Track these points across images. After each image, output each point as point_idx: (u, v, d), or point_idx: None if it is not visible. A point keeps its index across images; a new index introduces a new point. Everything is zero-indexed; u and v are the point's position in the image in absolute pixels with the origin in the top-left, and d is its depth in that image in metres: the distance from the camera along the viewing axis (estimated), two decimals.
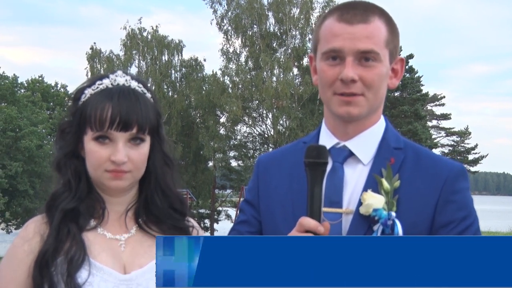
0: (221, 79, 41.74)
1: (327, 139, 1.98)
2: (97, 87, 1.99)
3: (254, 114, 43.45)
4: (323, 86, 1.92)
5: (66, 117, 2.06)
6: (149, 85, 2.10)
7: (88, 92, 2.00)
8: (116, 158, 1.92)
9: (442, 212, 1.84)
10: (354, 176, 1.91)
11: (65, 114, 2.08)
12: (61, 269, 1.89)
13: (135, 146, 1.96)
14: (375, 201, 1.82)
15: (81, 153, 2.01)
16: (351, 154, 1.93)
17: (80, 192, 1.99)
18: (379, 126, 1.97)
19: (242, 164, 45.55)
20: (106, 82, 2.00)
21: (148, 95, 2.05)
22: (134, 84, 2.02)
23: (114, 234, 2.01)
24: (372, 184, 1.86)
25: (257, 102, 41.61)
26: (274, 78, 39.69)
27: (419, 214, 1.84)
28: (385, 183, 1.84)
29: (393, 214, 1.81)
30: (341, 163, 1.92)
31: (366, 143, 1.93)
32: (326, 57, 1.88)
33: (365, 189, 1.86)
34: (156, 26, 44.15)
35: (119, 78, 2.01)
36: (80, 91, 2.03)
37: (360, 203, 1.85)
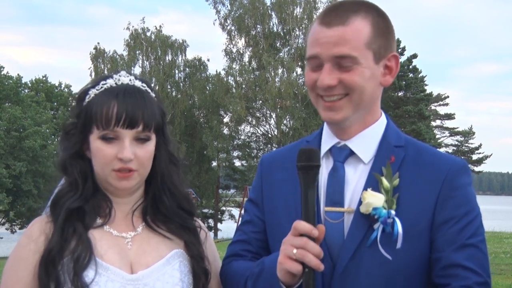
0: (225, 79, 41.76)
1: (328, 138, 1.98)
2: (101, 87, 1.98)
3: (258, 114, 43.47)
4: (309, 91, 1.94)
5: (70, 118, 2.05)
6: (152, 85, 2.10)
7: (92, 92, 1.99)
8: (123, 155, 1.91)
9: (443, 209, 1.82)
10: (355, 175, 1.90)
11: (69, 115, 2.07)
12: (67, 268, 1.87)
13: (141, 144, 1.95)
14: (375, 199, 1.81)
15: (86, 154, 2.00)
16: (352, 153, 1.92)
17: (86, 192, 1.98)
18: (380, 125, 1.96)
19: (245, 164, 45.57)
20: (110, 82, 2.00)
21: (152, 94, 2.05)
22: (138, 83, 2.02)
23: (120, 232, 1.99)
24: (372, 182, 1.86)
25: (260, 102, 41.62)
26: (278, 78, 39.72)
27: (420, 211, 1.82)
28: (385, 182, 1.84)
29: (393, 212, 1.80)
30: (342, 162, 1.92)
31: (366, 142, 1.92)
32: (308, 62, 1.89)
33: (366, 187, 1.85)
34: (160, 26, 44.31)
35: (123, 78, 2.01)
36: (84, 92, 2.02)
37: (361, 202, 1.84)
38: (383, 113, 2.00)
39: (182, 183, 2.11)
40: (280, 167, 2.05)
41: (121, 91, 1.96)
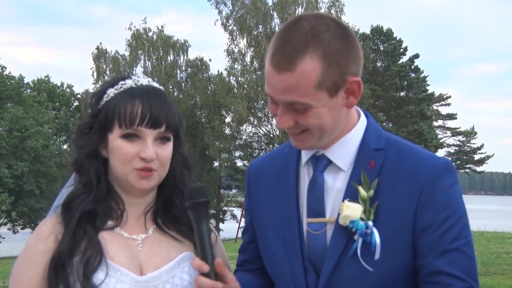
0: (227, 79, 41.78)
1: None
2: (121, 87, 1.98)
3: (260, 114, 43.49)
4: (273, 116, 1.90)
5: (86, 118, 2.04)
6: None
7: (111, 91, 1.98)
8: (146, 155, 1.91)
9: (423, 215, 1.78)
10: (336, 184, 1.87)
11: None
12: (77, 270, 1.86)
13: (161, 144, 1.96)
14: (352, 212, 1.78)
15: (102, 153, 1.99)
16: (330, 162, 1.88)
17: (99, 193, 1.97)
18: (358, 129, 1.90)
19: (247, 164, 45.56)
20: (129, 82, 1.99)
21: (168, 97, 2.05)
22: (156, 85, 2.03)
23: (131, 234, 1.99)
24: (352, 191, 1.82)
25: (262, 102, 41.63)
26: None
27: (400, 219, 1.78)
28: (362, 191, 1.80)
29: (370, 223, 1.77)
30: (321, 172, 1.89)
31: (344, 150, 1.88)
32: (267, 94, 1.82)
33: (345, 196, 1.83)
34: (162, 26, 44.34)
35: (142, 79, 2.02)
36: (102, 91, 2.01)
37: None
38: (362, 114, 1.94)
39: None
40: (265, 176, 2.04)
41: (145, 91, 1.96)
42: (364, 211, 1.79)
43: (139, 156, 1.92)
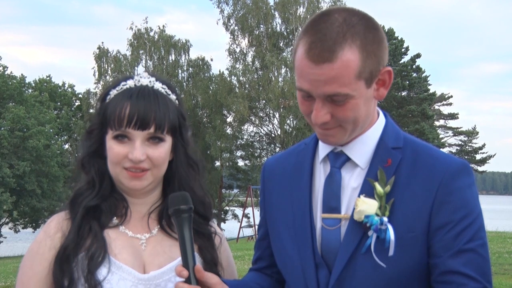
0: (228, 79, 41.80)
1: (326, 144, 1.94)
2: (121, 88, 2.01)
3: (261, 114, 43.48)
4: (304, 115, 1.87)
5: (92, 118, 2.09)
6: None
7: (113, 92, 2.02)
8: (133, 156, 1.93)
9: (438, 214, 1.77)
10: (352, 181, 1.87)
11: (90, 116, 2.11)
12: (81, 265, 1.90)
13: (153, 145, 1.97)
14: (367, 207, 1.78)
15: (105, 153, 2.02)
16: (348, 158, 1.89)
17: (103, 190, 2.02)
18: (377, 127, 1.91)
19: (249, 164, 45.61)
20: (130, 83, 2.02)
21: (173, 96, 2.06)
22: (158, 85, 2.03)
23: (135, 233, 2.02)
24: (368, 187, 1.82)
25: (263, 101, 41.63)
26: (281, 78, 39.71)
27: (415, 217, 1.78)
28: (378, 187, 1.80)
29: (385, 219, 1.77)
30: (339, 168, 1.89)
31: (362, 147, 1.88)
32: (298, 91, 1.82)
33: (361, 192, 1.83)
34: (163, 26, 44.36)
35: (143, 79, 2.03)
36: (106, 92, 2.05)
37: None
38: (381, 113, 1.95)
39: (199, 187, 2.11)
40: (280, 174, 2.05)
41: (136, 92, 1.98)
42: (379, 207, 1.79)
43: (127, 157, 1.95)
